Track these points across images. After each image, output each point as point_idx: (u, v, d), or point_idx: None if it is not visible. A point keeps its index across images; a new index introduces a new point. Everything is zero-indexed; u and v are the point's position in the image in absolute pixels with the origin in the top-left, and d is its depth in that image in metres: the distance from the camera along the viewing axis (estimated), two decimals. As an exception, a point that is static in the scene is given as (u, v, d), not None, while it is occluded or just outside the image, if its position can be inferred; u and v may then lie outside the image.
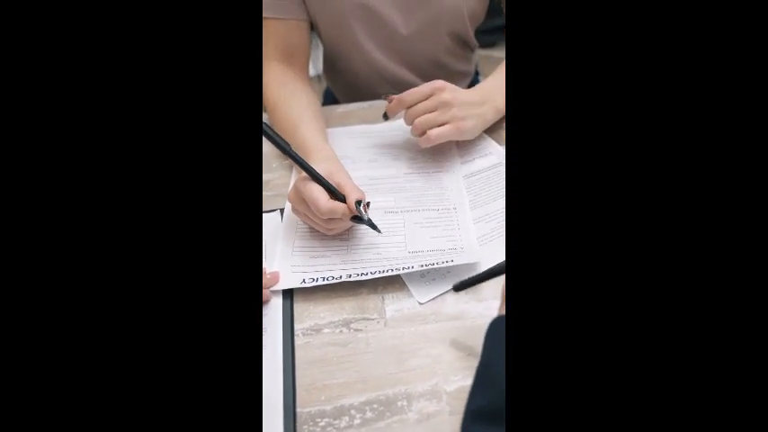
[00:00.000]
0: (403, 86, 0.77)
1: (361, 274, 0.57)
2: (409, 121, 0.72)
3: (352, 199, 0.59)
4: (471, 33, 0.87)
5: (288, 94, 0.79)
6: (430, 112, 0.70)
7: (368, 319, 0.55)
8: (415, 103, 0.70)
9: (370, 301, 0.56)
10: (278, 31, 0.83)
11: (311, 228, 0.64)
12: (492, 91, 0.75)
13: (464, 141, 0.76)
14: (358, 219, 0.60)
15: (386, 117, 0.74)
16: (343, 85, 0.96)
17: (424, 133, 0.70)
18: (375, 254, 0.61)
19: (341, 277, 0.57)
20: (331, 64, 0.92)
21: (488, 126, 0.76)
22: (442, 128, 0.70)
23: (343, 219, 0.59)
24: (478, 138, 0.77)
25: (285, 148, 0.60)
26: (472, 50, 0.90)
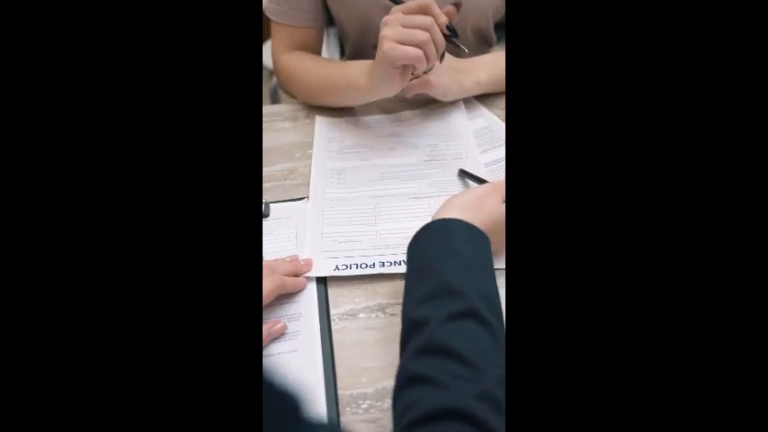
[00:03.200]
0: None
1: (394, 263, 0.59)
2: None
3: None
4: (492, 30, 0.88)
5: (319, 59, 0.84)
6: None
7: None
8: None
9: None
10: (290, 35, 0.86)
11: (338, 214, 0.65)
12: (477, 65, 0.79)
13: (482, 130, 0.77)
14: (451, 30, 0.67)
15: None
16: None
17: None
18: (404, 239, 0.61)
19: (374, 265, 0.58)
20: (354, 59, 0.93)
21: (466, 95, 0.80)
22: (414, 81, 0.74)
23: (435, 31, 0.65)
24: (496, 126, 0.78)
25: None
26: (490, 46, 0.91)
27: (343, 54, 1.01)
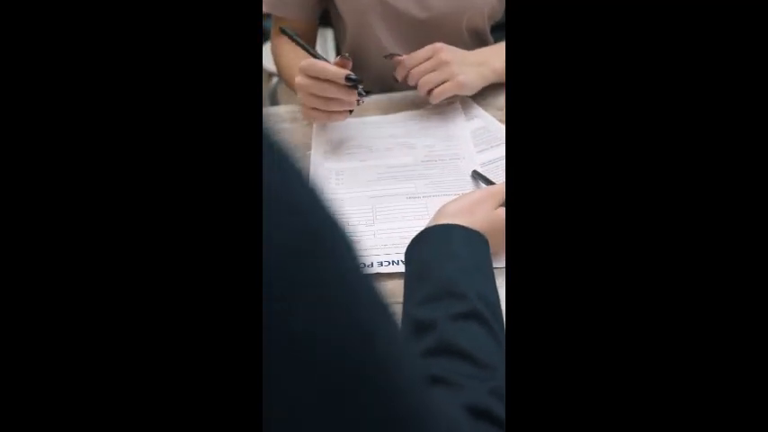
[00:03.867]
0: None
1: (393, 263, 0.59)
2: (413, 82, 0.78)
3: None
4: (488, 31, 0.89)
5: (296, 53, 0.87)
6: (431, 72, 0.76)
7: (401, 303, 0.56)
8: (417, 65, 0.77)
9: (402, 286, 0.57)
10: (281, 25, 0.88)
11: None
12: (490, 54, 0.82)
13: (479, 130, 0.78)
14: (351, 80, 0.69)
15: (396, 80, 0.81)
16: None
17: (430, 92, 0.76)
18: (402, 239, 0.62)
19: (372, 265, 0.59)
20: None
21: (486, 84, 0.81)
22: (443, 85, 0.75)
23: (338, 90, 0.69)
24: (493, 126, 0.78)
25: (305, 46, 0.76)
26: None
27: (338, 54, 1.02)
